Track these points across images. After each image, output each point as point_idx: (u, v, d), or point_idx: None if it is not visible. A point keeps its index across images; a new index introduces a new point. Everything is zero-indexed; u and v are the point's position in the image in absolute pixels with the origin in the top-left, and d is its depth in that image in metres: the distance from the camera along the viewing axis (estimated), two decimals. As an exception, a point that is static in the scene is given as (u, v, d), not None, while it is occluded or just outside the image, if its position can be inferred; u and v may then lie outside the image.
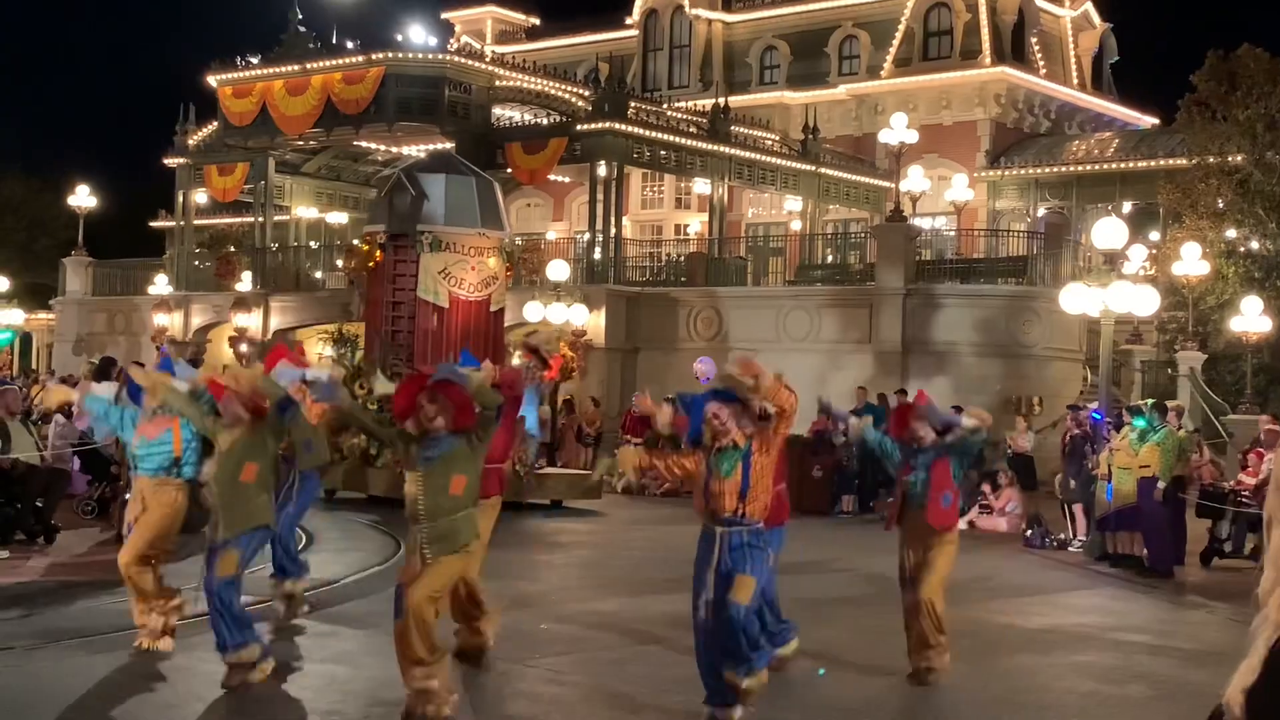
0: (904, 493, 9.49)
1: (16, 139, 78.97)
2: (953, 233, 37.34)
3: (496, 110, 35.07)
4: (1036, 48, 42.53)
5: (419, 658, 7.51)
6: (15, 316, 43.89)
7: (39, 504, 14.77)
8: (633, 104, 34.58)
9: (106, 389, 17.53)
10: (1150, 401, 17.92)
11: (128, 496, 14.55)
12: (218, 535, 8.48)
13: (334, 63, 34.41)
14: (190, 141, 39.47)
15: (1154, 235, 35.16)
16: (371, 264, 22.34)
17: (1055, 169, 39.76)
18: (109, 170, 56.94)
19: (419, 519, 7.67)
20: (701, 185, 37.36)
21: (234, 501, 8.46)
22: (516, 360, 24.29)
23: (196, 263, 39.95)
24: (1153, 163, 37.20)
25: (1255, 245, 32.87)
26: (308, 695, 8.53)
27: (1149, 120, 44.15)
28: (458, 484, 7.66)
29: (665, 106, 37.59)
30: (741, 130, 37.26)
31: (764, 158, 37.05)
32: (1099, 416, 18.11)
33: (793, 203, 39.50)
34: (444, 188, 21.51)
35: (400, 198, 21.55)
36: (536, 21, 50.71)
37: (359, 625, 10.90)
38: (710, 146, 35.22)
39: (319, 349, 32.03)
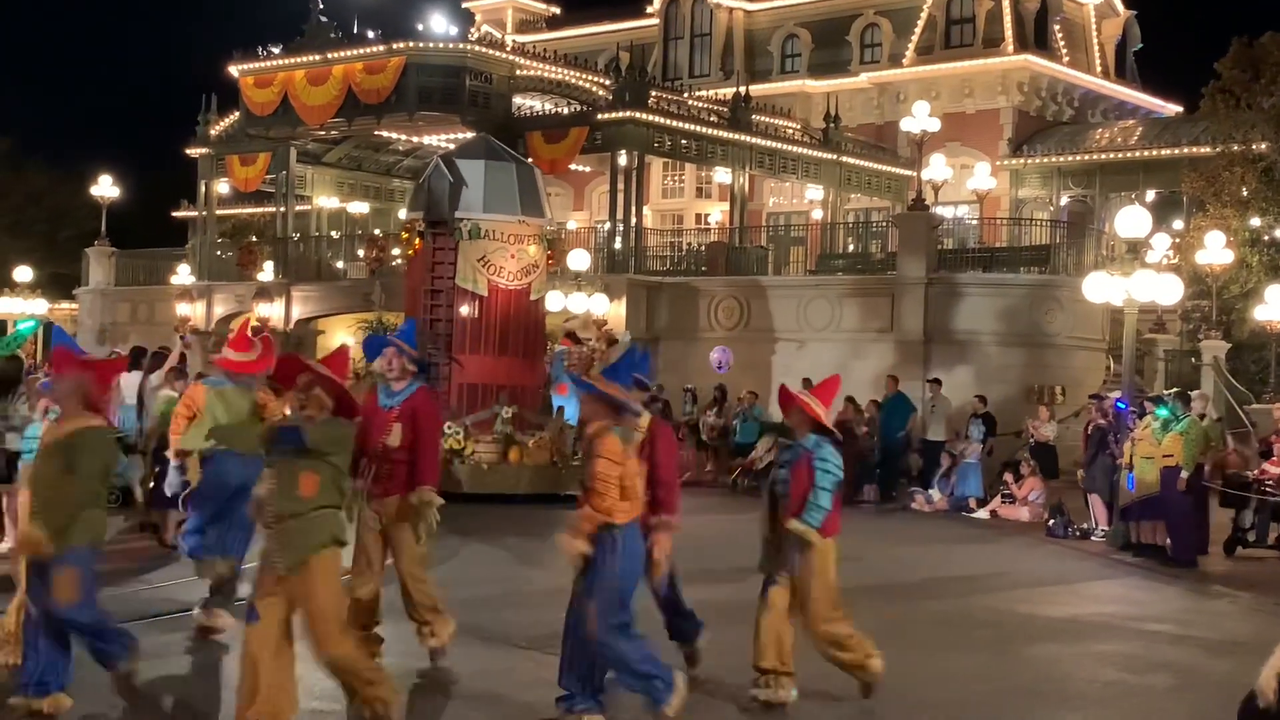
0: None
1: (40, 129, 79.33)
2: (975, 221, 37.20)
3: (517, 99, 35.04)
4: (1059, 35, 42.31)
5: (367, 680, 7.32)
6: (38, 306, 44.07)
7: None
8: (654, 93, 34.51)
9: (134, 379, 17.66)
10: (1173, 391, 17.86)
11: (150, 485, 14.68)
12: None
13: (355, 52, 34.42)
14: (212, 132, 39.55)
15: (1177, 224, 34.97)
16: (410, 252, 22.10)
17: (1078, 157, 39.57)
18: (131, 160, 57.08)
19: (267, 523, 7.07)
20: (722, 174, 37.28)
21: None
22: (557, 348, 24.27)
23: (219, 253, 40.04)
24: (1176, 151, 36.99)
25: (1279, 234, 32.69)
26: (329, 684, 8.53)
27: (1173, 108, 43.91)
28: (307, 483, 6.94)
29: (686, 95, 37.51)
30: (763, 119, 37.16)
31: (785, 146, 36.96)
32: (1123, 406, 18.04)
33: (814, 192, 39.39)
34: (483, 174, 21.23)
35: (438, 184, 21.26)
36: (557, 10, 50.68)
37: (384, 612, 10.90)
38: (731, 135, 35.14)
39: (351, 338, 32.20)
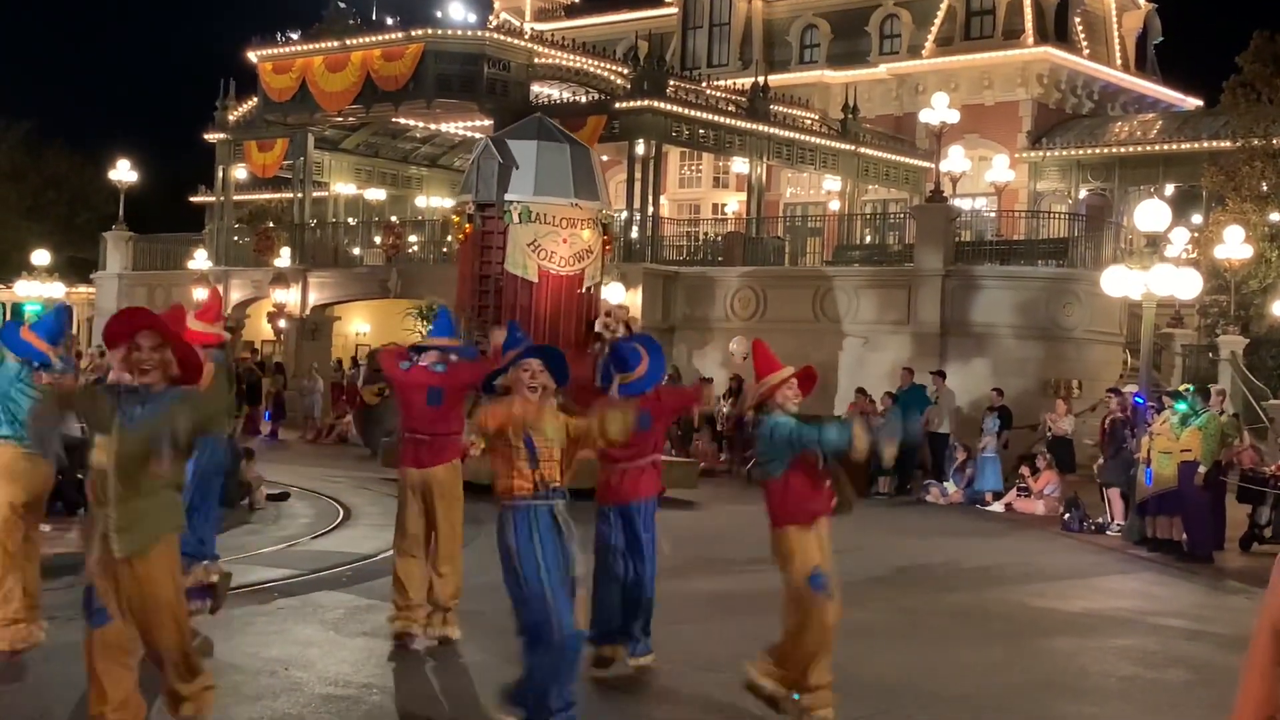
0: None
1: (59, 113, 79.50)
2: (993, 214, 37.07)
3: (535, 88, 35.02)
4: (1080, 28, 42.14)
5: (197, 676, 6.49)
6: (56, 290, 44.21)
7: (80, 476, 14.88)
8: (672, 82, 34.47)
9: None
10: (1191, 386, 17.79)
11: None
12: None
13: (373, 39, 34.44)
14: (230, 117, 39.61)
15: (1196, 218, 34.83)
16: (461, 236, 21.18)
17: (1097, 150, 39.43)
18: (150, 145, 57.32)
19: (105, 499, 6.10)
20: (740, 164, 37.22)
21: None
22: (598, 326, 24.03)
23: (236, 238, 40.11)
24: (1196, 145, 36.83)
25: (1299, 229, 32.55)
26: (346, 669, 8.57)
27: (1193, 102, 43.70)
28: (160, 460, 5.99)
29: (704, 85, 37.45)
30: (781, 109, 37.09)
31: (803, 137, 36.89)
32: (1140, 400, 17.98)
33: (831, 182, 39.32)
34: (535, 155, 20.22)
35: (488, 165, 20.35)
36: (576, -2, 50.64)
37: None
38: (749, 125, 35.08)
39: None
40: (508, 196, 19.99)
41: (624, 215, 33.97)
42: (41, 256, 43.96)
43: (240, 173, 40.78)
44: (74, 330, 26.96)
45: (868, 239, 36.87)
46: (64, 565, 11.61)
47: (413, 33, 33.71)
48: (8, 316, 42.69)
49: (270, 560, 12.52)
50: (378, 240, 37.37)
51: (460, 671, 8.85)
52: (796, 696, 7.58)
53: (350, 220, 42.75)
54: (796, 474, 7.55)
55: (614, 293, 28.39)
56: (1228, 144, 34.13)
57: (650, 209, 32.99)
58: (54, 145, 57.13)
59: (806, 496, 7.60)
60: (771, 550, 7.69)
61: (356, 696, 7.91)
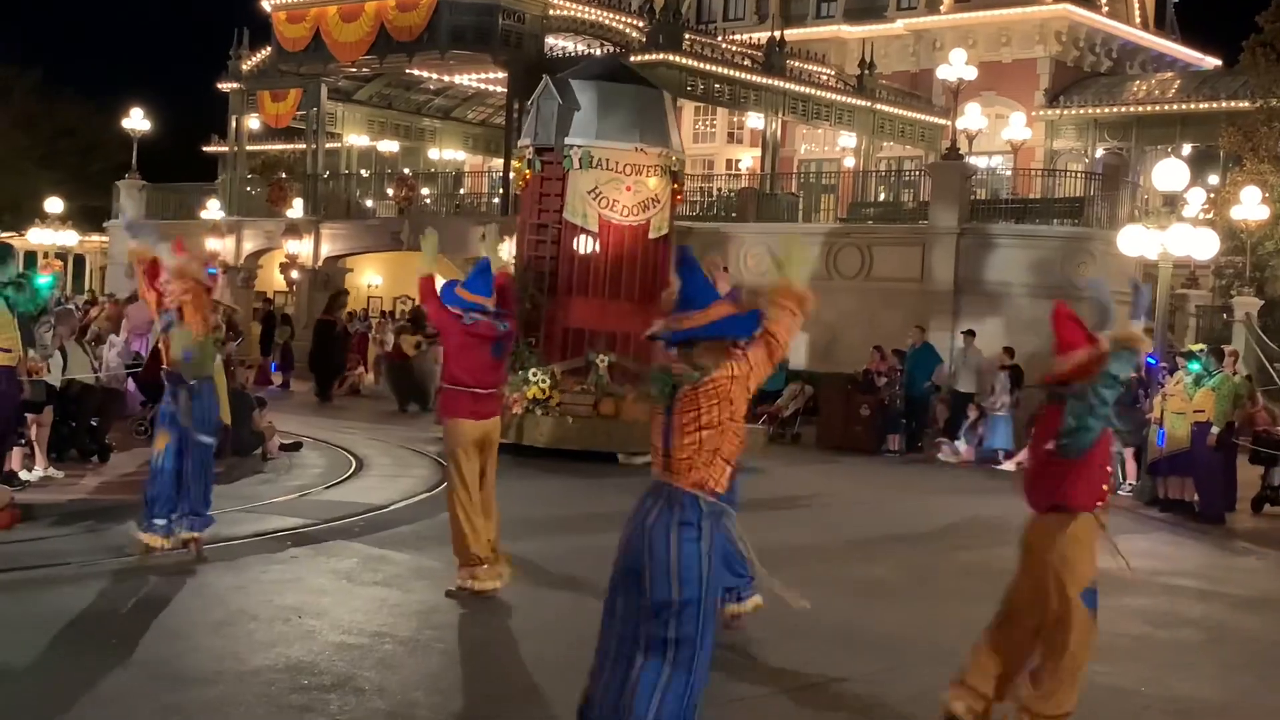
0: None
1: (71, 61, 79.29)
2: (1009, 172, 36.89)
3: (550, 40, 34.82)
4: (1099, -15, 41.79)
5: None
6: (69, 238, 44.24)
7: (94, 423, 14.93)
8: (687, 36, 34.25)
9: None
10: (1205, 346, 17.73)
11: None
12: None
13: (388, -11, 34.26)
14: (244, 67, 39.49)
15: (1213, 179, 34.62)
16: (520, 184, 19.96)
17: (1115, 109, 39.17)
18: (163, 94, 57.19)
19: None
20: (755, 120, 37.04)
21: None
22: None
23: (248, 188, 40.07)
24: (1214, 105, 36.60)
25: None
26: (359, 617, 8.60)
27: (1211, 61, 43.38)
28: None
29: (720, 39, 37.24)
30: (797, 64, 36.87)
31: (819, 93, 36.68)
32: (1153, 361, 17.93)
33: (846, 139, 39.14)
34: (596, 96, 18.87)
35: (547, 107, 19.04)
36: (592, -49, 50.22)
37: (409, 549, 10.98)
38: (765, 80, 34.89)
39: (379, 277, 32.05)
40: (567, 141, 18.73)
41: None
42: (54, 205, 43.91)
43: (253, 123, 40.68)
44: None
45: (882, 196, 36.72)
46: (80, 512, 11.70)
47: (427, -17, 33.51)
48: (22, 265, 42.68)
49: (283, 509, 12.55)
50: (390, 192, 37.31)
51: (481, 622, 8.88)
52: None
53: (363, 172, 42.69)
54: (1100, 450, 6.70)
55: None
56: (1246, 104, 33.89)
57: (664, 163, 32.82)
58: (66, 94, 57.00)
59: (1104, 477, 6.86)
60: (1043, 539, 6.86)
61: (369, 645, 7.94)
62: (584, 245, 18.75)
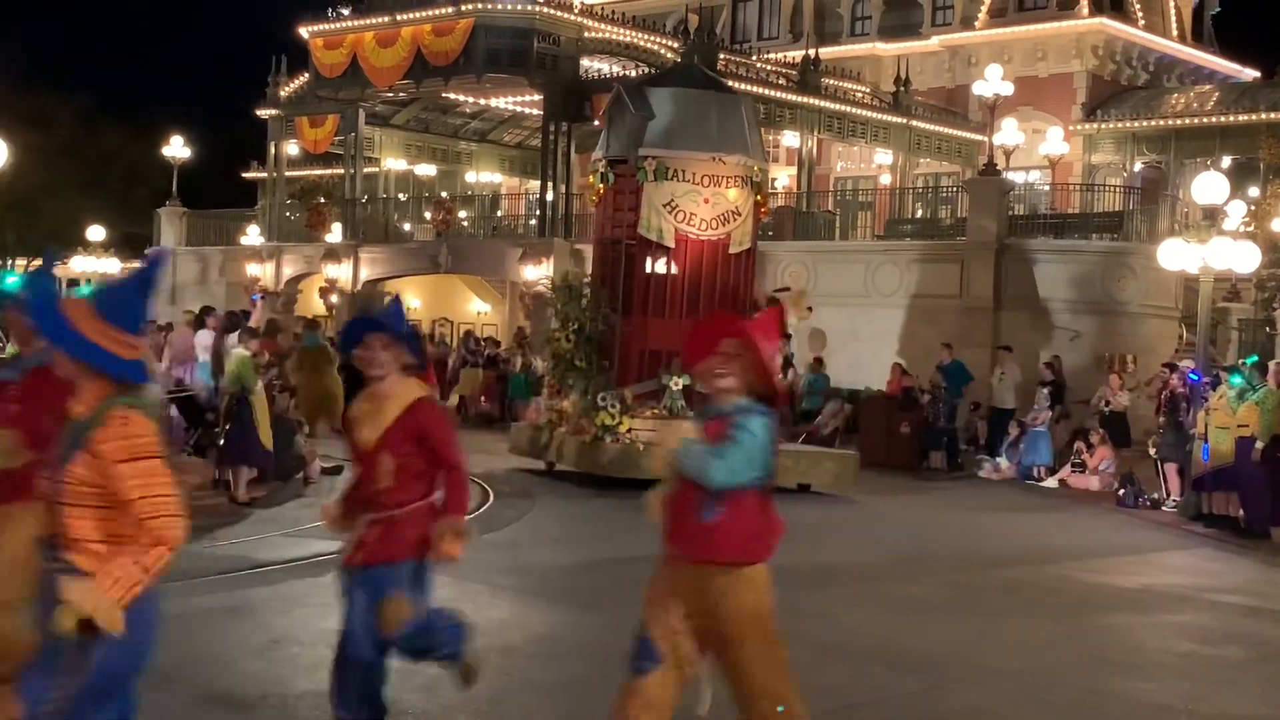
0: None
1: (114, 88, 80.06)
2: (1047, 187, 36.70)
3: (585, 62, 34.94)
4: (1135, -2, 41.59)
5: None
6: (111, 265, 44.64)
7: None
8: (722, 55, 34.31)
9: (206, 337, 17.83)
10: (1249, 360, 17.58)
11: (221, 442, 14.87)
12: None
13: (424, 14, 34.44)
14: (282, 93, 39.81)
15: (1253, 191, 34.35)
16: (595, 198, 19.18)
17: (1153, 122, 38.92)
18: (202, 121, 57.46)
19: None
20: (790, 138, 37.04)
21: None
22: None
23: (288, 214, 40.35)
24: (1254, 116, 36.31)
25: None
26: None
27: (1250, 73, 43.05)
28: None
29: (755, 58, 37.26)
30: (831, 82, 36.86)
31: (854, 110, 36.65)
32: (1196, 376, 17.80)
33: (883, 156, 39.07)
34: (671, 104, 17.91)
35: (620, 116, 18.12)
36: (625, -28, 50.40)
37: (449, 571, 10.96)
38: (800, 99, 34.89)
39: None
40: (641, 151, 17.71)
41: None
42: (97, 232, 44.36)
43: (292, 148, 41.01)
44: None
45: (919, 213, 36.61)
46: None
47: (463, 7, 33.69)
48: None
49: (325, 533, 12.52)
50: (428, 216, 37.49)
51: (523, 646, 8.88)
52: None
53: (401, 196, 42.92)
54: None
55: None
56: (1286, 116, 33.66)
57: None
58: (110, 120, 57.55)
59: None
60: None
61: (411, 669, 7.94)
62: (659, 261, 17.97)
